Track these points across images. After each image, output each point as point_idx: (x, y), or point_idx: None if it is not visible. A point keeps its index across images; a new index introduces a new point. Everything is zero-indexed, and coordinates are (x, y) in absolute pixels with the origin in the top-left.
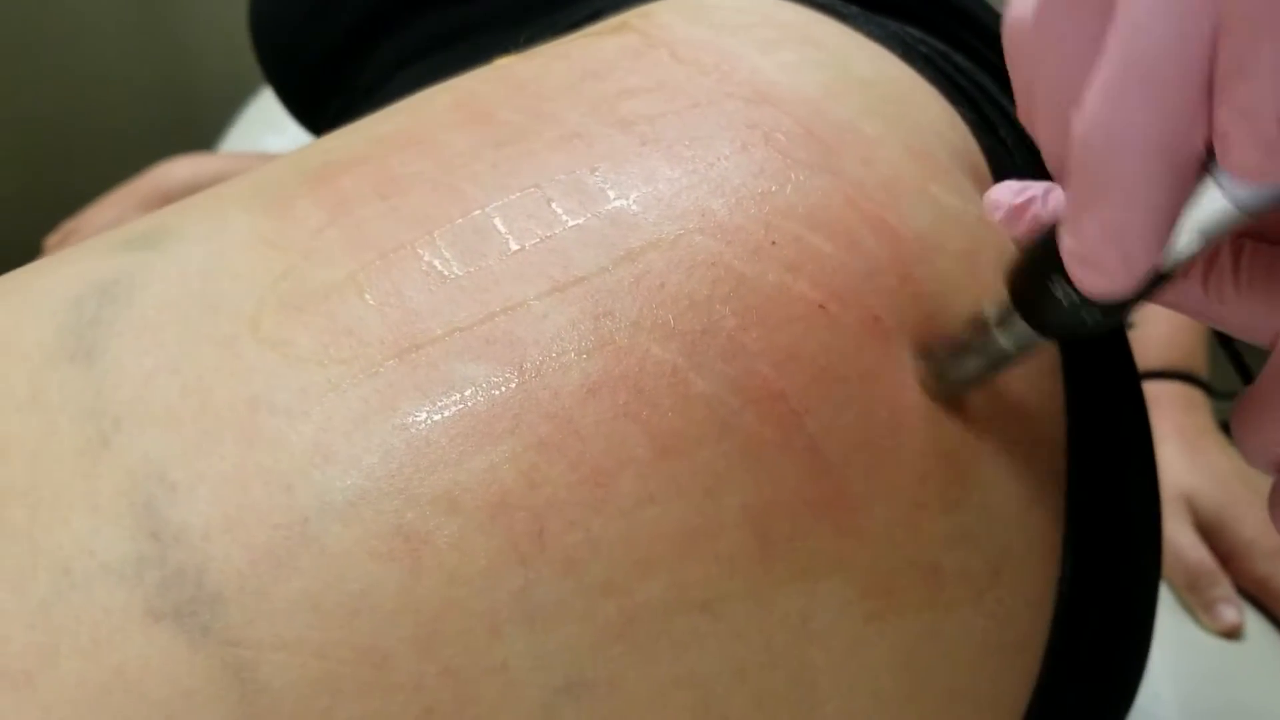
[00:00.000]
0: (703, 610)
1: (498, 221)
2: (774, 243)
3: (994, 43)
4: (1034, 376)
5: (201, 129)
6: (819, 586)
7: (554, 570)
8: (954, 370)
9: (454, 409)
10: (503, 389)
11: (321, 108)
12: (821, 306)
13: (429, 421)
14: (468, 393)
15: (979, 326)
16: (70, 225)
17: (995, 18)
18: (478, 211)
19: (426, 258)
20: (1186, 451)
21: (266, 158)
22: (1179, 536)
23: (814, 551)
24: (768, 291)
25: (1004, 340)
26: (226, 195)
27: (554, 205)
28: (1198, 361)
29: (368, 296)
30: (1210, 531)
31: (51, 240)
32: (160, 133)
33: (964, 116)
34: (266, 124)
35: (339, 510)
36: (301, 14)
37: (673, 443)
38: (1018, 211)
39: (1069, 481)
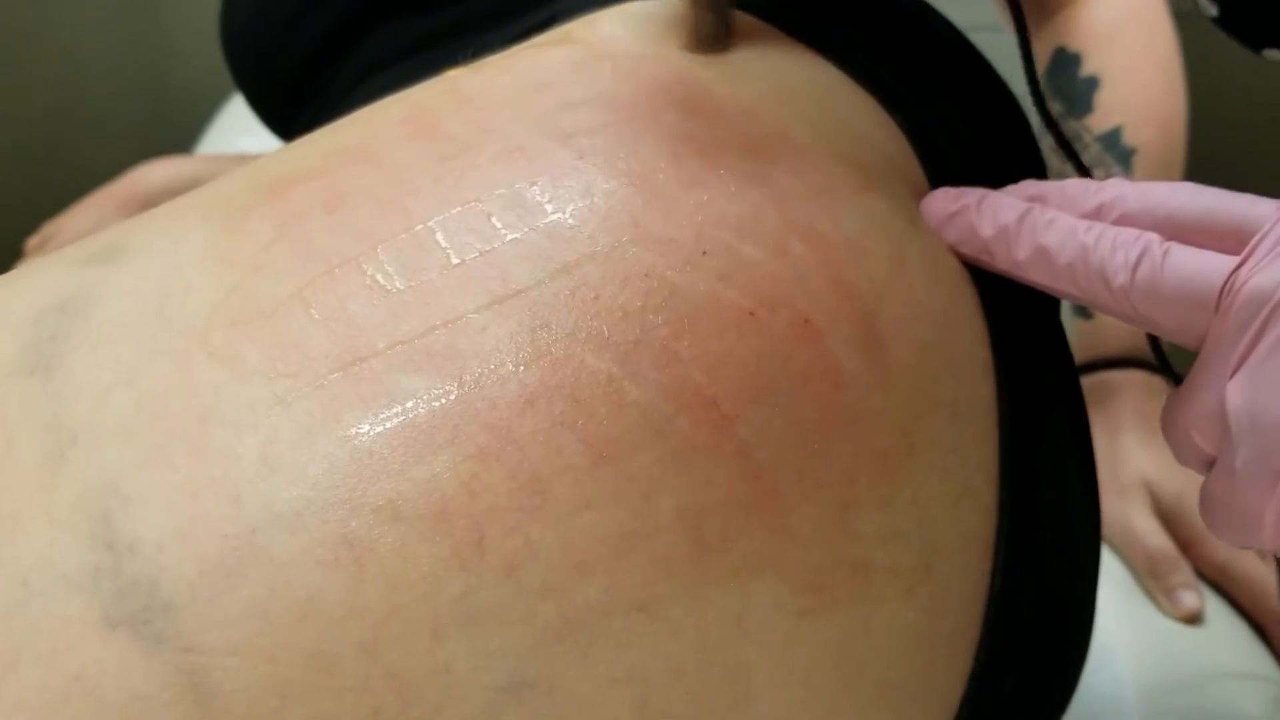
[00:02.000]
0: (640, 610)
1: (439, 236)
2: (705, 253)
3: (932, 45)
4: (966, 373)
5: (181, 126)
6: (752, 585)
7: (494, 575)
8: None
9: (396, 420)
10: (443, 400)
11: (293, 115)
12: (752, 313)
13: (372, 433)
14: (409, 404)
15: None
16: (49, 229)
17: (938, 19)
18: (420, 225)
19: (370, 272)
20: (1147, 438)
21: (243, 160)
22: (1140, 522)
23: (747, 551)
24: (699, 300)
25: None
26: (186, 208)
27: (494, 219)
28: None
29: (313, 311)
30: (1170, 518)
31: (32, 243)
32: (140, 130)
33: (900, 124)
34: (244, 124)
35: (285, 520)
36: (271, 25)
37: (608, 450)
38: (952, 219)
39: (1001, 476)
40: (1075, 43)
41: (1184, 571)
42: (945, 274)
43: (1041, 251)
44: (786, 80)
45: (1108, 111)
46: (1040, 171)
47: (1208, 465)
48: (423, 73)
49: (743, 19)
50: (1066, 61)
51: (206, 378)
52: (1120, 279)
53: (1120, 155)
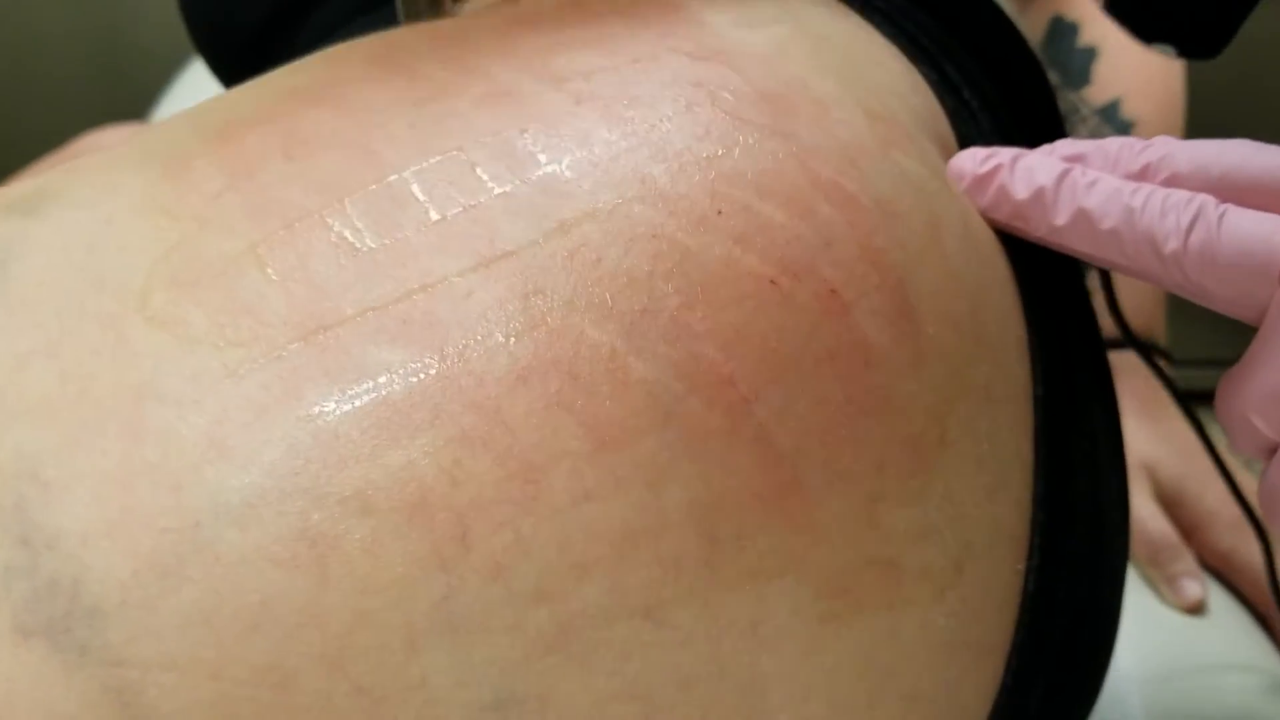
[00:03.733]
0: (645, 617)
1: (416, 188)
2: (720, 212)
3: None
4: (1001, 353)
5: (137, 90)
6: (770, 588)
7: (480, 576)
8: None
9: (367, 398)
10: (421, 376)
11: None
12: (773, 282)
13: (338, 412)
14: (382, 379)
15: None
16: None
17: None
18: (394, 176)
19: (336, 227)
20: (1148, 421)
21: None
22: (1140, 508)
23: (764, 550)
24: (714, 266)
25: None
26: (120, 156)
27: (479, 170)
28: (1158, 329)
29: (270, 270)
30: (1172, 503)
31: None
32: (94, 93)
33: (927, 77)
34: (203, 89)
35: (235, 512)
36: None
37: (611, 434)
38: (983, 181)
39: (1036, 466)
40: (1073, 12)
41: (1186, 559)
42: (980, 242)
43: (1083, 215)
44: (806, 26)
45: (1106, 83)
46: (1063, 135)
47: (1269, 452)
48: (391, 24)
49: None
50: (1064, 30)
51: (144, 346)
52: (1172, 245)
53: (1119, 128)
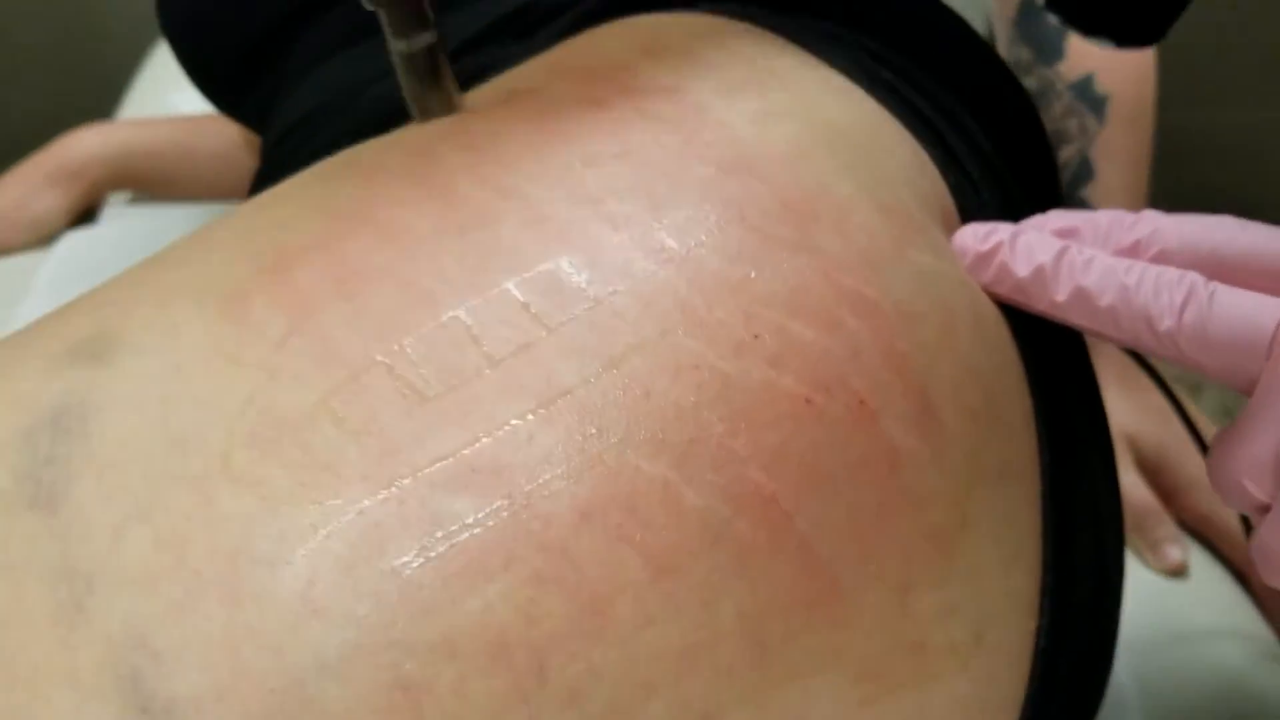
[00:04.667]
0: None
1: (473, 329)
2: (756, 336)
3: (956, 51)
4: (1012, 431)
5: (106, 77)
6: (814, 681)
7: (556, 704)
8: None
9: (444, 547)
10: (493, 522)
11: (243, 93)
12: (808, 401)
13: (419, 564)
14: (456, 529)
15: None
16: None
17: (957, 23)
18: (448, 316)
19: (401, 374)
20: (1126, 391)
21: (176, 124)
22: (1122, 477)
23: (808, 648)
24: (753, 390)
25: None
26: (172, 284)
27: (530, 308)
28: None
29: (344, 425)
30: (1152, 470)
31: None
32: (61, 80)
33: (930, 153)
34: (176, 76)
35: (334, 668)
36: (219, 10)
37: (669, 560)
38: (985, 258)
39: (1044, 531)
40: None
41: (1168, 525)
42: (989, 328)
43: (1081, 293)
44: (816, 115)
45: (1079, 58)
46: (1055, 175)
47: (1261, 511)
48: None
49: (763, 39)
50: (1036, 6)
51: (232, 508)
52: (1166, 323)
53: (1093, 103)
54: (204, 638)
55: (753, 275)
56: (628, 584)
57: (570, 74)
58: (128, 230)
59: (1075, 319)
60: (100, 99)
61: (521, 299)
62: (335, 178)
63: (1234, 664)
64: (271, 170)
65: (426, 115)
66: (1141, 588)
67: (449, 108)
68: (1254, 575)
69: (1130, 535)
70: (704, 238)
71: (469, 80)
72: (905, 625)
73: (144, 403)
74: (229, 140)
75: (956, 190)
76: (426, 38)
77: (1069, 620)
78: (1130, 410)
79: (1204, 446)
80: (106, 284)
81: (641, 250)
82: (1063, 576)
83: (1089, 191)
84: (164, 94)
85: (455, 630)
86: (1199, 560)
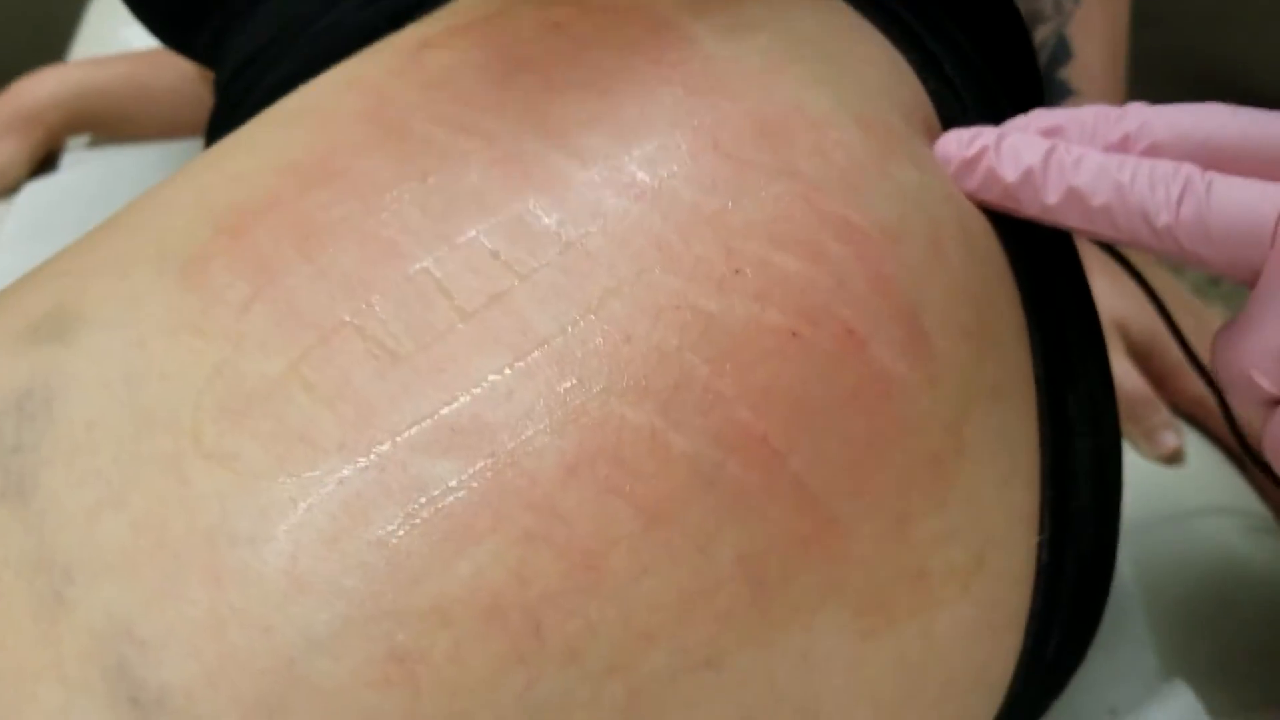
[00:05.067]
0: (706, 666)
1: (441, 281)
2: (737, 271)
3: None
4: (1005, 347)
5: (54, 18)
6: (815, 619)
7: (556, 663)
8: None
9: (429, 511)
10: (478, 483)
11: (193, 30)
12: (794, 334)
13: (405, 531)
14: (440, 492)
15: None
16: None
17: None
18: (416, 269)
19: (372, 334)
20: (1114, 278)
21: (132, 61)
22: (1115, 365)
23: (808, 586)
24: (737, 328)
25: None
26: (129, 250)
27: (500, 256)
28: None
29: (315, 391)
30: (1144, 356)
31: None
32: (9, 26)
33: (909, 57)
34: (121, 14)
35: (325, 644)
36: None
37: (661, 509)
38: (970, 164)
39: (1041, 443)
40: None
41: (1161, 411)
42: (977, 241)
43: (1073, 194)
44: (789, 25)
45: None
46: (1036, 70)
47: (1271, 405)
48: None
49: None
50: None
51: (207, 486)
52: (1164, 218)
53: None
54: (189, 622)
55: (730, 206)
56: (620, 536)
57: None
58: (89, 175)
59: (1068, 221)
60: (50, 39)
61: (490, 246)
62: (289, 124)
63: (1230, 540)
64: (226, 108)
65: None
66: (1137, 474)
67: None
68: (1248, 460)
69: (1125, 423)
70: (676, 168)
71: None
72: (904, 554)
73: (109, 381)
74: (187, 75)
75: (937, 96)
76: None
77: (1070, 531)
78: (1119, 296)
79: (1176, 331)
80: (65, 251)
81: (612, 186)
82: (1061, 487)
83: (1067, 72)
84: (115, 29)
85: (447, 597)
86: (1194, 444)
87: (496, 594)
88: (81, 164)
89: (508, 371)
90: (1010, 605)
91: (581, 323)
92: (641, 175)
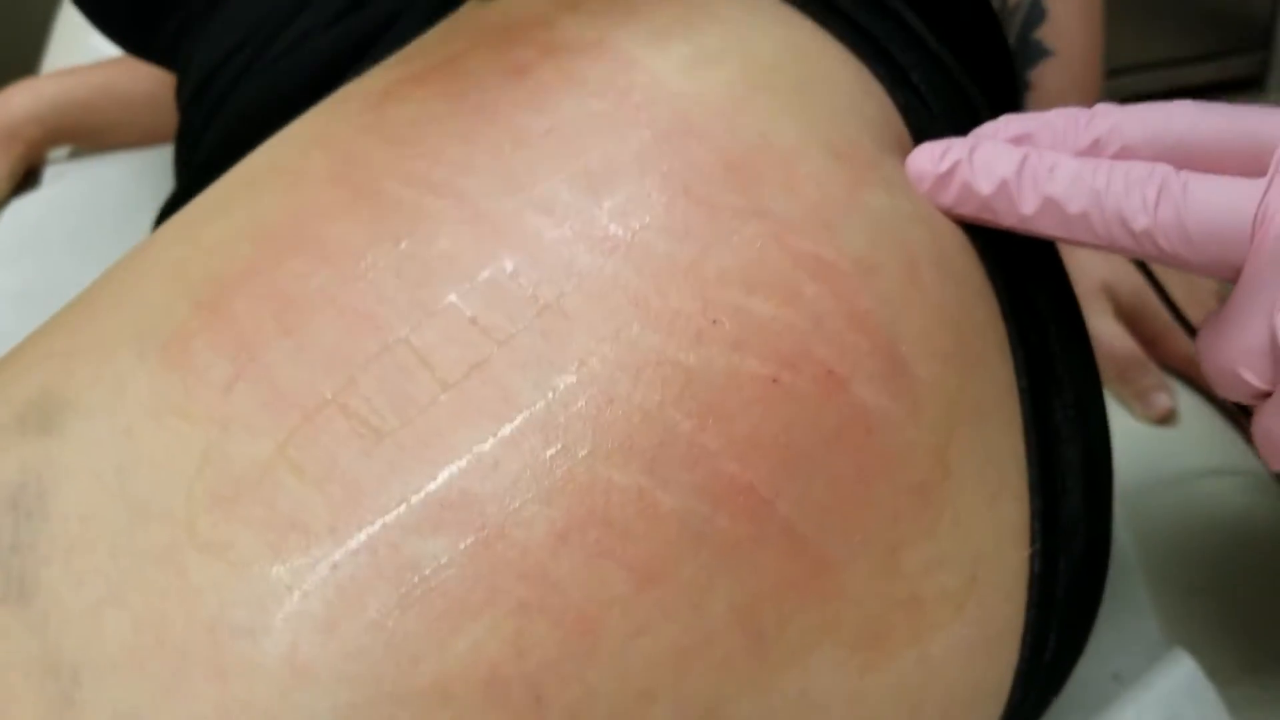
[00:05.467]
0: (707, 716)
1: (421, 352)
2: (715, 321)
3: None
4: (986, 365)
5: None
6: (812, 658)
7: None
8: None
9: (423, 591)
10: (469, 558)
11: (149, 34)
12: (775, 380)
13: (401, 611)
14: (432, 571)
15: None
16: None
17: None
18: (393, 339)
19: (355, 410)
20: None
21: (106, 70)
22: (1104, 329)
23: (804, 627)
24: (718, 380)
25: None
26: (110, 330)
27: (478, 322)
28: None
29: (304, 474)
30: (1133, 317)
31: None
32: None
33: (875, 73)
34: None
35: None
36: None
37: (653, 568)
38: (944, 180)
39: (1028, 455)
40: None
41: (1153, 373)
42: (954, 261)
43: (1050, 203)
44: (751, 52)
45: None
46: (1013, 74)
47: (1259, 398)
48: None
49: None
50: None
51: (203, 577)
52: (1141, 222)
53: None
54: (197, 718)
55: (703, 253)
56: (614, 599)
57: (487, 36)
58: (72, 188)
59: (1047, 230)
60: (21, 50)
61: (468, 313)
62: (259, 187)
63: (1227, 500)
64: (191, 132)
65: None
66: (1131, 436)
67: None
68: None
69: (1116, 386)
70: (648, 219)
71: (388, 20)
72: (897, 585)
73: (100, 472)
74: (163, 81)
75: (906, 108)
76: None
77: (1062, 537)
78: (1106, 259)
79: (1163, 292)
80: (46, 329)
81: (585, 242)
82: (1050, 496)
83: (1042, 33)
84: (85, 37)
85: (446, 674)
86: (1187, 403)
87: (495, 667)
88: (64, 177)
89: (492, 442)
90: (1005, 618)
91: (562, 387)
92: (614, 228)
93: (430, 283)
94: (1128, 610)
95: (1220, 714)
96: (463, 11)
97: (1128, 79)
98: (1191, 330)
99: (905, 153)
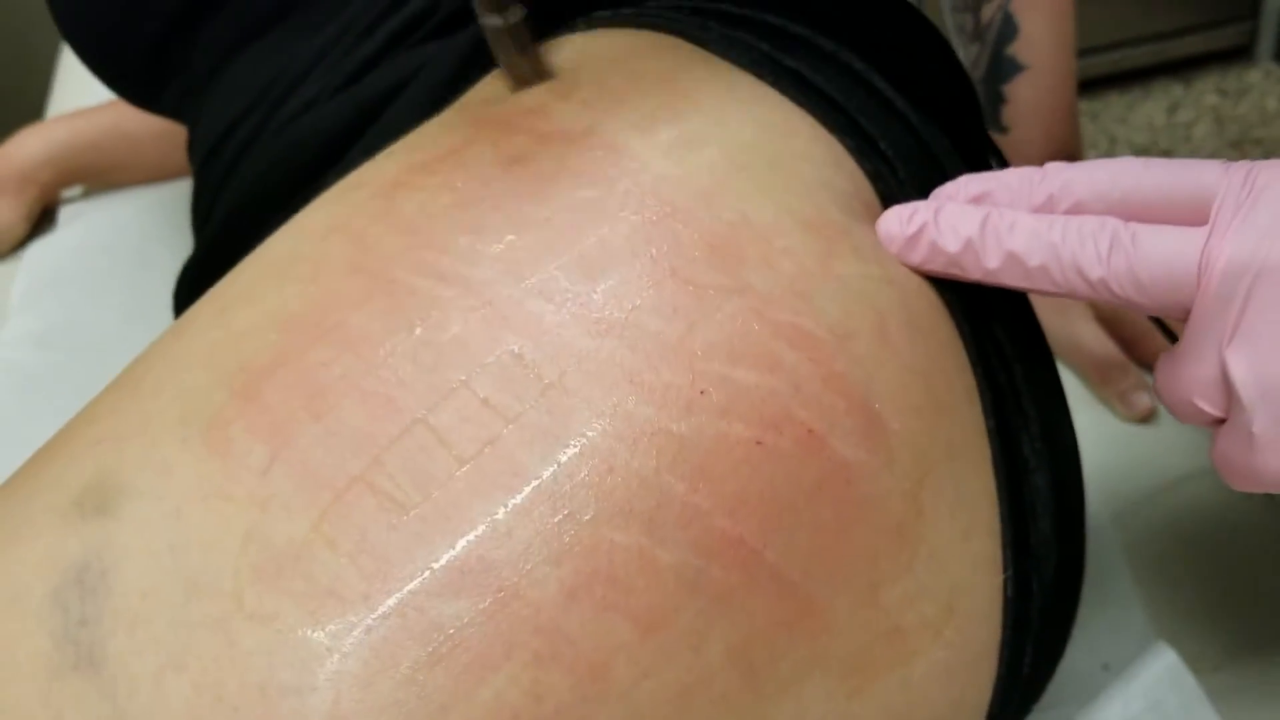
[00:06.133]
0: None
1: (439, 432)
2: (703, 392)
3: (852, 6)
4: (956, 410)
5: (30, 71)
6: (803, 689)
7: None
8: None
9: (448, 648)
10: (489, 617)
11: (156, 92)
12: (759, 442)
13: (430, 667)
14: (456, 630)
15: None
16: None
17: None
18: (412, 421)
19: (381, 488)
20: None
21: (113, 111)
22: (1083, 333)
23: (794, 662)
24: (707, 445)
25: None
26: (154, 414)
27: (490, 402)
28: (1075, 149)
29: (337, 548)
30: (1112, 321)
31: None
32: None
33: (845, 144)
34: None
35: None
36: (110, 11)
37: (654, 618)
38: (912, 241)
39: (998, 490)
40: None
41: (1133, 374)
42: (922, 319)
43: (1012, 258)
44: (730, 134)
45: None
46: (979, 116)
47: (1214, 424)
48: (293, 42)
49: (667, 53)
50: None
51: (252, 643)
52: (1096, 272)
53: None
54: None
55: (691, 329)
56: (619, 647)
57: (487, 127)
58: (88, 229)
59: (1009, 281)
60: (27, 93)
61: (480, 395)
62: (283, 275)
63: (1208, 499)
64: (208, 191)
65: (521, 83)
66: (1115, 438)
67: (541, 74)
68: None
69: (1098, 388)
70: (640, 300)
71: (392, 91)
72: (879, 618)
73: (156, 552)
74: (168, 121)
75: (876, 177)
76: (518, 12)
77: (1033, 561)
78: None
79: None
80: (93, 412)
81: (582, 325)
82: (1020, 524)
83: (1015, 49)
84: (91, 78)
85: None
86: None
87: (516, 713)
88: (80, 217)
89: (504, 511)
90: (982, 640)
91: (566, 458)
92: (609, 310)
93: (444, 367)
94: (1116, 603)
95: (1200, 701)
96: (466, 99)
97: (1117, 54)
98: (1169, 333)
99: (874, 218)
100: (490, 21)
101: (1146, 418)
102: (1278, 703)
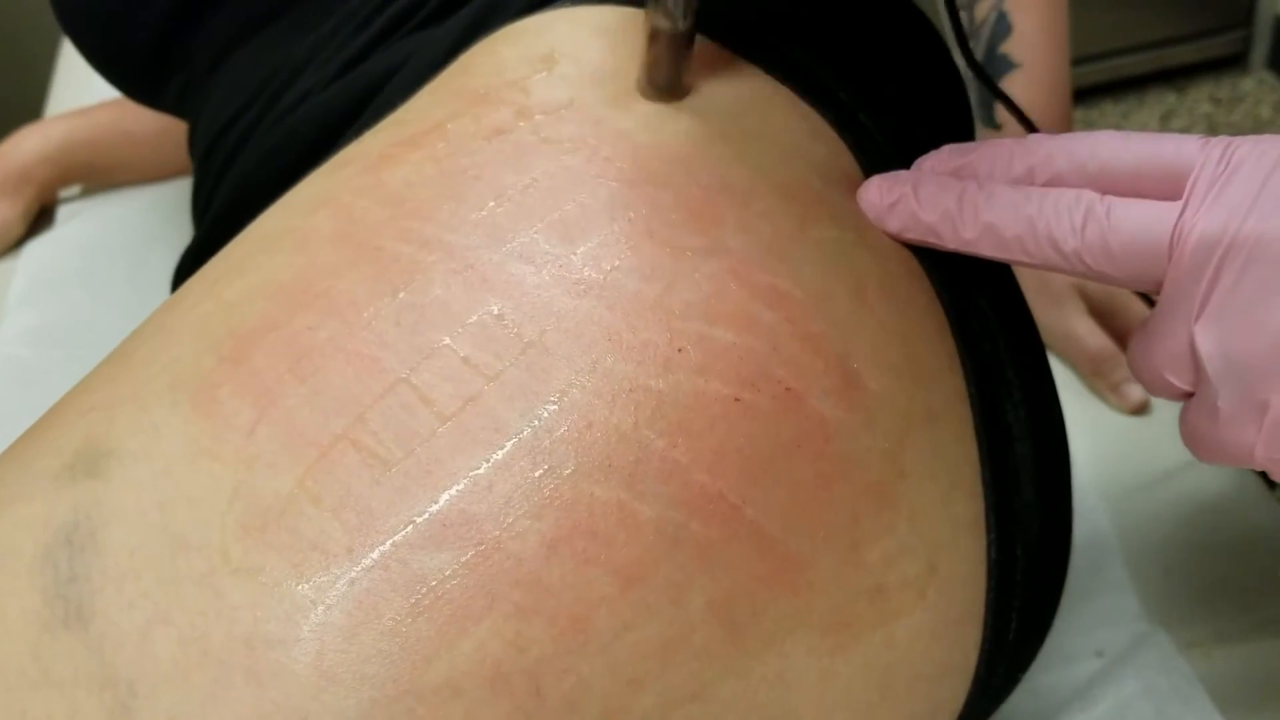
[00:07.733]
0: (692, 700)
1: (420, 389)
2: (680, 350)
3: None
4: (935, 374)
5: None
6: (786, 645)
7: (557, 717)
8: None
9: (431, 600)
10: (471, 569)
11: (158, 89)
12: (737, 399)
13: (413, 619)
14: (438, 582)
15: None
16: None
17: None
18: (396, 380)
19: (364, 445)
20: None
21: (111, 109)
22: (1078, 325)
23: (776, 618)
24: (686, 401)
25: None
26: (145, 382)
27: (470, 361)
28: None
29: (321, 503)
30: (1105, 313)
31: None
32: None
33: (826, 116)
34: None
35: None
36: (112, 6)
37: (634, 571)
38: (892, 209)
39: (980, 455)
40: None
41: (1125, 366)
42: (899, 285)
43: (988, 228)
44: (708, 104)
45: None
46: (963, 95)
47: (1183, 398)
48: (292, 36)
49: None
50: None
51: (238, 597)
52: (1070, 244)
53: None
54: (240, 719)
55: (669, 289)
56: (600, 600)
57: (469, 101)
58: (86, 227)
59: (986, 251)
60: (26, 91)
61: (461, 354)
62: (271, 248)
63: (1199, 488)
64: (208, 181)
65: (657, 90)
66: (1109, 430)
67: (681, 90)
68: None
69: (1091, 380)
70: (618, 261)
71: (384, 77)
72: (861, 576)
73: (144, 510)
74: (166, 118)
75: (856, 146)
76: (690, 21)
77: (1016, 527)
78: None
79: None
80: (86, 384)
81: (562, 286)
82: (1003, 490)
83: (1009, 47)
84: (88, 79)
85: (456, 671)
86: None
87: (499, 663)
88: (77, 216)
89: (486, 466)
90: (965, 602)
91: (546, 415)
92: (588, 271)
93: (426, 328)
94: (1110, 590)
95: (1192, 684)
96: (447, 75)
97: (1112, 62)
98: None
99: (854, 186)
100: (661, 24)
101: (1140, 409)
102: (1269, 687)
